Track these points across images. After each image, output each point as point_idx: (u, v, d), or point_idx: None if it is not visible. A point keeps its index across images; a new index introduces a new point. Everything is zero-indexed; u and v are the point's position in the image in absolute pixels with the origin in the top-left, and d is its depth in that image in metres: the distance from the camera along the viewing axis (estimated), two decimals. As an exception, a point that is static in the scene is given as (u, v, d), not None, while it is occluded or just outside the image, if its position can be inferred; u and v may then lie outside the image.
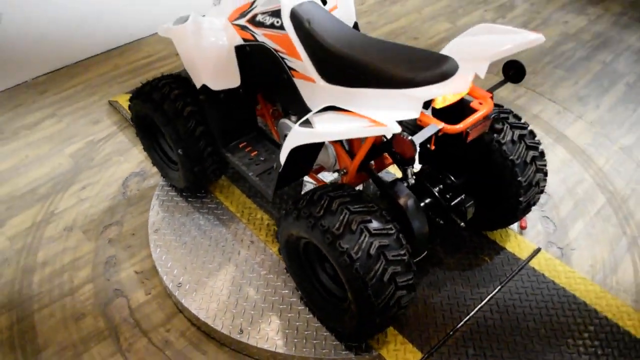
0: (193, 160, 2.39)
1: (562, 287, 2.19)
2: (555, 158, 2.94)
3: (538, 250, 2.34)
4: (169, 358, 2.11)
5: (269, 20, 2.10)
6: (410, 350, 2.00)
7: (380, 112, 1.71)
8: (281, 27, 2.06)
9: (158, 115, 2.34)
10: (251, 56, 2.23)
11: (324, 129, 1.73)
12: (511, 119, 2.13)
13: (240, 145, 2.43)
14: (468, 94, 1.83)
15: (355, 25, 2.53)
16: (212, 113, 2.26)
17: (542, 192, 2.20)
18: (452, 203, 2.06)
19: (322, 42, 1.95)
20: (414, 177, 2.09)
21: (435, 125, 1.69)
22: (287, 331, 2.07)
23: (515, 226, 2.48)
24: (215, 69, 2.19)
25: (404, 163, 2.05)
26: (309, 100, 2.08)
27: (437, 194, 2.06)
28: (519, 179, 2.05)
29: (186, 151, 2.36)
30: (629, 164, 2.90)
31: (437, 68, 1.70)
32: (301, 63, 2.02)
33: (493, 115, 1.86)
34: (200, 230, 2.50)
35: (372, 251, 1.69)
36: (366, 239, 1.70)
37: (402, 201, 1.93)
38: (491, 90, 1.90)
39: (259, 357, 2.07)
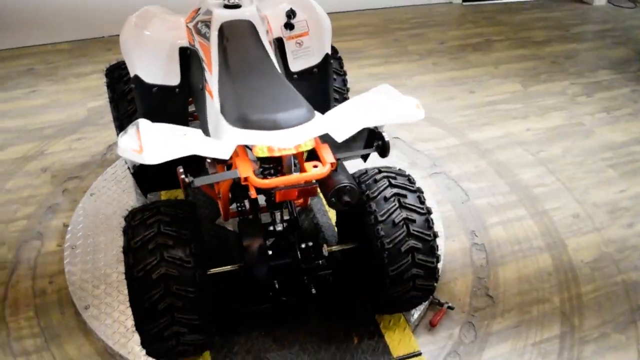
0: None
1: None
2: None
3: (418, 354, 2.04)
4: (36, 305, 2.26)
5: (203, 29, 2.12)
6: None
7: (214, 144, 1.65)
8: (208, 39, 2.08)
9: None
10: (189, 59, 2.26)
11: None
12: (397, 180, 1.90)
13: None
14: (316, 152, 1.69)
15: (327, 57, 2.45)
16: (142, 105, 2.33)
17: (431, 275, 1.88)
18: (308, 266, 1.90)
19: (222, 63, 1.94)
20: (284, 223, 1.97)
21: (234, 172, 1.59)
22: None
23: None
24: (149, 62, 2.24)
25: (273, 206, 1.94)
26: (207, 115, 2.06)
27: (298, 250, 1.91)
28: (385, 246, 1.78)
29: None
30: None
31: (271, 115, 1.60)
32: (210, 76, 2.01)
33: (342, 186, 1.67)
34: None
35: None
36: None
37: (244, 242, 1.83)
38: (345, 157, 1.72)
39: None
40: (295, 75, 2.47)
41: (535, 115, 3.56)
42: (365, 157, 2.18)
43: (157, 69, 2.27)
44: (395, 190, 1.86)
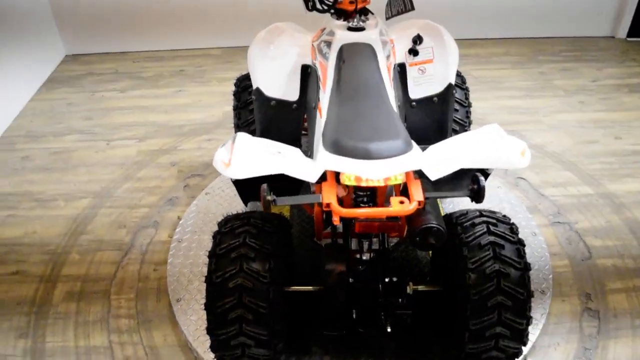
0: None
1: None
2: None
3: None
4: (138, 289, 2.46)
5: (324, 49, 2.14)
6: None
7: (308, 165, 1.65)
8: (327, 59, 2.10)
9: None
10: (309, 77, 2.30)
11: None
12: (497, 227, 1.74)
13: None
14: (407, 187, 1.60)
15: (449, 87, 2.34)
16: (259, 116, 2.41)
17: (519, 337, 1.70)
18: (387, 302, 1.81)
19: (335, 84, 1.94)
20: (372, 253, 1.91)
21: (318, 197, 1.55)
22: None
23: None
24: (272, 76, 2.32)
25: (361, 235, 1.89)
26: (315, 134, 2.07)
27: (380, 283, 1.84)
28: (471, 297, 1.65)
29: None
30: None
31: (365, 144, 1.55)
32: (322, 95, 2.03)
33: (428, 226, 1.56)
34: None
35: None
36: None
37: (326, 265, 1.81)
38: (435, 197, 1.61)
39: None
40: (414, 103, 2.40)
41: (693, 174, 3.07)
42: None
43: (278, 83, 2.34)
44: (492, 238, 1.71)
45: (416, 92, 2.38)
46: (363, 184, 1.54)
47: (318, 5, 2.21)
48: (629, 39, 4.70)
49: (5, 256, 2.67)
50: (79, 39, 4.54)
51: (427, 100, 2.39)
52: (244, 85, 2.65)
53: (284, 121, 2.42)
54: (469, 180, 1.67)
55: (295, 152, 1.72)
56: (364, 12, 2.26)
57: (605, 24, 4.70)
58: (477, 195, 1.58)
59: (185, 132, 3.51)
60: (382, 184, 1.54)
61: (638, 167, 3.13)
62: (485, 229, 1.73)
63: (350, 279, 1.85)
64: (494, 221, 1.77)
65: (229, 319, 1.68)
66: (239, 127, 2.65)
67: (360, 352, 2.05)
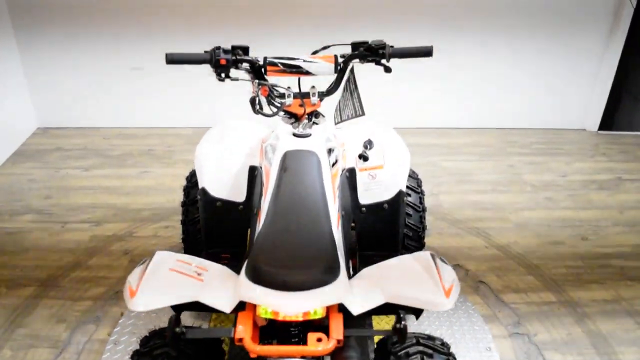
0: None
1: None
2: None
3: None
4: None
5: (270, 153, 2.11)
6: None
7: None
8: (271, 164, 2.05)
9: None
10: (256, 179, 2.25)
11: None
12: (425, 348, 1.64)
13: (222, 255, 2.44)
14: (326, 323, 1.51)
15: (400, 194, 2.31)
16: (204, 216, 2.35)
17: None
18: None
19: (274, 193, 1.88)
20: None
21: (230, 330, 1.45)
22: None
23: None
24: (218, 176, 2.28)
25: None
26: (253, 241, 1.99)
27: None
28: None
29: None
30: None
31: (284, 272, 1.46)
32: (263, 203, 1.97)
33: None
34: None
35: None
36: None
37: None
38: (356, 334, 1.51)
39: None
40: (364, 209, 2.35)
41: (660, 283, 3.00)
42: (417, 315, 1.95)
43: (224, 183, 2.30)
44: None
45: (366, 197, 2.34)
46: (279, 319, 1.44)
47: (265, 109, 2.19)
48: (600, 131, 4.76)
49: None
50: (52, 112, 4.54)
51: (377, 206, 2.34)
52: (194, 180, 2.60)
53: (229, 222, 2.36)
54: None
55: (218, 273, 1.64)
56: (315, 114, 2.25)
57: (576, 116, 4.77)
58: (400, 334, 1.48)
59: (143, 217, 3.43)
60: (300, 318, 1.45)
61: (605, 273, 3.05)
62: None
63: None
64: (430, 352, 1.67)
65: None
66: (185, 224, 2.58)
67: None
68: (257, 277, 1.50)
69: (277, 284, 1.47)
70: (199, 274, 1.61)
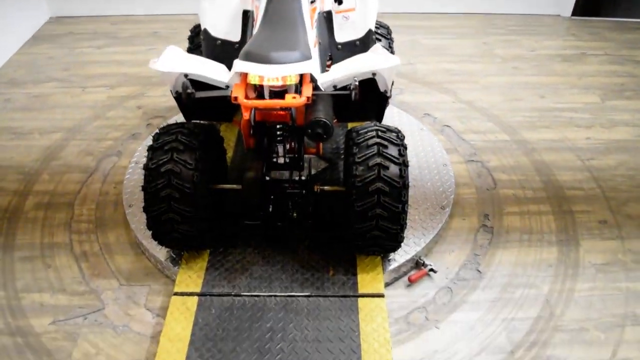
0: None
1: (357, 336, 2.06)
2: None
3: (381, 295, 2.22)
4: (98, 201, 2.83)
5: None
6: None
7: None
8: (260, 2, 2.46)
9: None
10: (249, 21, 2.67)
11: None
12: (385, 133, 2.12)
13: None
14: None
15: (369, 33, 2.72)
16: (206, 53, 2.77)
17: (395, 219, 2.05)
18: (292, 192, 2.21)
19: (262, 19, 2.32)
20: (287, 159, 2.28)
21: (227, 91, 1.94)
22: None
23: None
24: (218, 19, 2.67)
25: (276, 141, 2.26)
26: None
27: (289, 181, 2.23)
28: (356, 184, 2.02)
29: None
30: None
31: (269, 52, 1.93)
32: (254, 31, 2.40)
33: (316, 119, 1.95)
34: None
35: None
36: None
37: (246, 168, 2.19)
38: (321, 93, 1.99)
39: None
40: (339, 46, 2.77)
41: (601, 127, 3.46)
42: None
43: (222, 25, 2.71)
44: (378, 140, 2.08)
45: (341, 36, 2.76)
46: (265, 83, 1.92)
47: None
48: (573, 17, 5.09)
49: (-16, 176, 3.04)
50: (63, 2, 4.89)
51: (351, 44, 2.76)
52: (197, 30, 3.02)
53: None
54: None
55: (219, 65, 2.09)
56: None
57: (553, 2, 5.08)
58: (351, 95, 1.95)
59: (153, 82, 3.87)
60: (279, 82, 1.92)
61: (556, 121, 3.51)
62: (374, 134, 2.11)
63: (267, 177, 2.23)
64: (384, 129, 2.15)
65: (159, 196, 2.05)
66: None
67: (277, 243, 2.42)
68: (249, 57, 1.97)
69: (263, 59, 1.94)
70: (203, 62, 2.07)
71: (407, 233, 2.47)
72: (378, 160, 2.03)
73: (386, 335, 2.05)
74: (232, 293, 2.22)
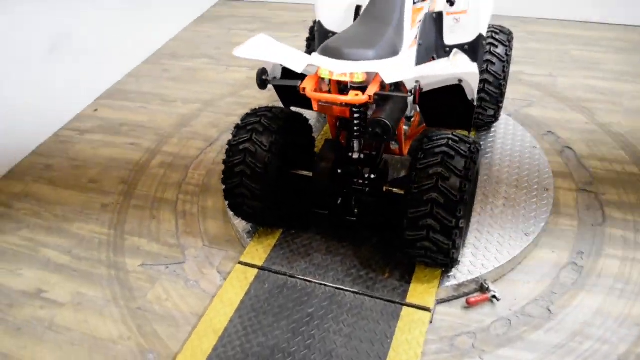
0: None
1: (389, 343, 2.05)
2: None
3: (427, 309, 2.17)
4: (209, 169, 3.17)
5: None
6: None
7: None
8: None
9: None
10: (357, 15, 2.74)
11: None
12: (456, 144, 2.05)
13: None
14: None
15: (479, 38, 2.61)
16: (319, 44, 2.89)
17: (447, 233, 1.99)
18: (356, 188, 2.25)
19: (363, 15, 2.39)
20: (361, 154, 2.32)
21: (297, 82, 2.03)
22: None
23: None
24: (331, 12, 2.78)
25: (353, 136, 2.30)
26: None
27: (359, 177, 2.27)
28: (412, 189, 2.01)
29: None
30: None
31: (343, 49, 1.99)
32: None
33: (376, 119, 1.97)
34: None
35: None
36: None
37: (318, 155, 2.29)
38: (386, 95, 1.98)
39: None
40: (448, 49, 2.71)
41: None
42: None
43: (335, 18, 2.83)
44: (445, 149, 2.02)
45: (450, 38, 2.69)
46: (333, 77, 1.99)
47: None
48: None
49: (129, 132, 3.57)
50: (232, -14, 5.42)
51: (459, 47, 2.68)
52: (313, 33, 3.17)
53: None
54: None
55: (301, 55, 2.19)
56: None
57: None
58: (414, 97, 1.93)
59: (286, 68, 4.14)
60: (347, 78, 1.98)
61: None
62: (444, 142, 2.05)
63: (339, 170, 2.30)
64: (457, 139, 2.08)
65: (234, 171, 2.26)
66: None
67: (344, 236, 2.50)
68: (323, 50, 2.06)
69: (334, 54, 2.01)
70: (289, 52, 2.20)
71: (478, 253, 2.38)
72: (439, 169, 1.98)
73: (417, 350, 2.02)
74: (288, 273, 2.36)
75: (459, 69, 1.96)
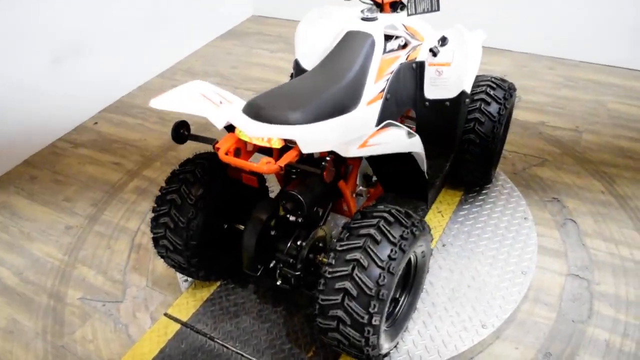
0: None
1: None
2: None
3: None
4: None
5: (340, 33, 2.33)
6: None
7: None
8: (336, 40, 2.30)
9: None
10: None
11: None
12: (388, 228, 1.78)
13: None
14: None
15: (462, 94, 2.32)
16: None
17: (359, 330, 1.72)
18: (281, 257, 2.02)
19: (320, 63, 2.16)
20: (300, 218, 2.09)
21: (213, 139, 1.84)
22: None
23: None
24: (309, 52, 2.55)
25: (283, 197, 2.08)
26: None
27: (285, 243, 2.03)
28: (326, 275, 1.76)
29: None
30: None
31: (266, 108, 1.78)
32: None
33: (288, 193, 1.73)
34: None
35: None
36: None
37: (252, 214, 2.08)
38: (298, 167, 1.73)
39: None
40: (427, 103, 2.44)
41: None
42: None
43: (314, 58, 2.61)
44: (372, 231, 1.75)
45: (431, 92, 2.41)
46: (249, 140, 1.78)
47: None
48: None
49: (118, 150, 3.53)
50: (266, 2, 5.31)
51: (440, 102, 2.40)
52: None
53: None
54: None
55: (238, 106, 2.00)
56: (401, 7, 2.38)
57: None
58: (322, 173, 1.67)
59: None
60: (264, 143, 1.76)
61: None
62: (374, 223, 1.78)
63: (272, 232, 2.09)
64: (391, 220, 1.80)
65: (159, 222, 2.11)
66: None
67: (278, 293, 2.31)
68: (246, 107, 1.85)
69: (253, 113, 1.80)
70: (220, 102, 2.02)
71: (420, 343, 2.09)
72: (358, 255, 1.72)
73: None
74: (209, 335, 2.18)
75: (397, 144, 1.71)
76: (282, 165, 1.74)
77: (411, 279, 2.08)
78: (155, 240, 2.18)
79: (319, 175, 1.71)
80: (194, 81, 2.07)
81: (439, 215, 2.65)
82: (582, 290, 2.38)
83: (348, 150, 1.68)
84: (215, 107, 1.96)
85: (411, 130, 1.85)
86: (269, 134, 1.76)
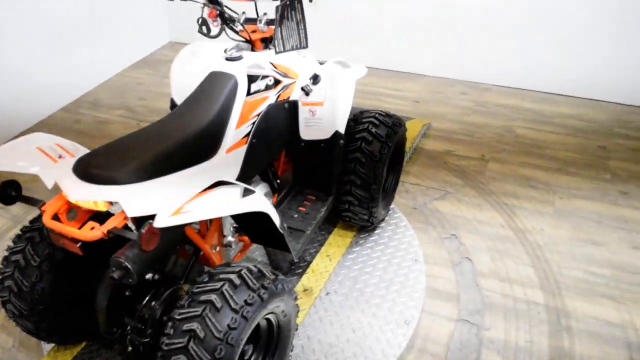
0: None
1: None
2: None
3: None
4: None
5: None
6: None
7: None
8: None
9: None
10: None
11: None
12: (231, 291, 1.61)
13: None
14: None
15: (336, 135, 2.20)
16: None
17: None
18: (128, 323, 1.83)
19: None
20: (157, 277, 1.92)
21: (40, 202, 1.65)
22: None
23: None
24: (183, 91, 2.39)
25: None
26: None
27: (138, 307, 1.85)
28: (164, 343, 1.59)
29: None
30: None
31: (95, 166, 1.60)
32: None
33: (116, 259, 1.54)
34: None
35: None
36: None
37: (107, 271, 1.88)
38: (119, 233, 1.56)
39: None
40: (303, 144, 2.30)
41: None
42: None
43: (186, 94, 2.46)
44: (213, 297, 1.59)
45: (305, 132, 2.29)
46: (74, 202, 1.60)
47: (204, 30, 2.25)
48: None
49: None
50: (183, 27, 5.13)
51: (316, 143, 2.27)
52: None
53: None
54: None
55: (71, 160, 1.81)
56: (269, 41, 2.26)
57: None
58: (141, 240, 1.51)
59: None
60: (90, 207, 1.58)
61: (631, 292, 2.45)
62: (217, 287, 1.62)
63: (127, 292, 1.91)
64: (235, 284, 1.64)
65: (4, 285, 1.91)
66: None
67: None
68: (75, 165, 1.67)
69: (79, 172, 1.62)
70: (60, 157, 1.83)
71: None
72: (195, 326, 1.55)
73: None
74: (61, 410, 1.97)
75: (226, 206, 1.56)
76: (105, 231, 1.56)
77: (275, 341, 1.93)
78: (3, 304, 1.98)
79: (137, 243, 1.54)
80: (34, 133, 1.89)
81: (327, 260, 2.51)
82: (470, 336, 2.27)
83: (160, 218, 1.52)
84: (52, 163, 1.78)
85: (250, 187, 1.70)
86: (92, 197, 1.58)
